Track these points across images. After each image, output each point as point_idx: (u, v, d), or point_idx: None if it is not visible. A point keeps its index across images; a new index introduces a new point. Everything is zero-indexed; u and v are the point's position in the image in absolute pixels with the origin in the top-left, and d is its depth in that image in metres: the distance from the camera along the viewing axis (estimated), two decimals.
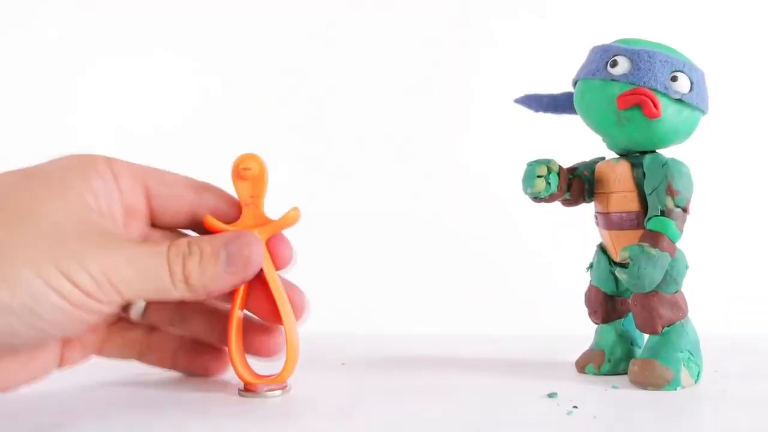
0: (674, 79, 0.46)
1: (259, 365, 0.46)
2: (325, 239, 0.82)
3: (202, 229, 0.44)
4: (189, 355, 0.48)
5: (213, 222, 0.44)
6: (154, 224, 0.44)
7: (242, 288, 0.44)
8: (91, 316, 0.37)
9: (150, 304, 0.46)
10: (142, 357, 0.47)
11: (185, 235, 0.45)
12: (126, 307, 0.45)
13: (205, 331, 0.46)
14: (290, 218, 0.44)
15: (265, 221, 0.44)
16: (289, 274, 0.46)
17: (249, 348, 0.45)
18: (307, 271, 0.47)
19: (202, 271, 0.39)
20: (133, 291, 0.37)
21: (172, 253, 0.39)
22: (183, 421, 0.40)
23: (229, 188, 0.45)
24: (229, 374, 0.45)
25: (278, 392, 0.44)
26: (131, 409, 0.42)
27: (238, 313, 0.44)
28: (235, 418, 0.40)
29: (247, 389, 0.44)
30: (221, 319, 0.46)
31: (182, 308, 0.46)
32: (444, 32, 0.93)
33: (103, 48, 0.94)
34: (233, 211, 0.44)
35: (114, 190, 0.40)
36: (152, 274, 0.38)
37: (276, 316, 0.44)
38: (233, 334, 0.44)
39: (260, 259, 0.41)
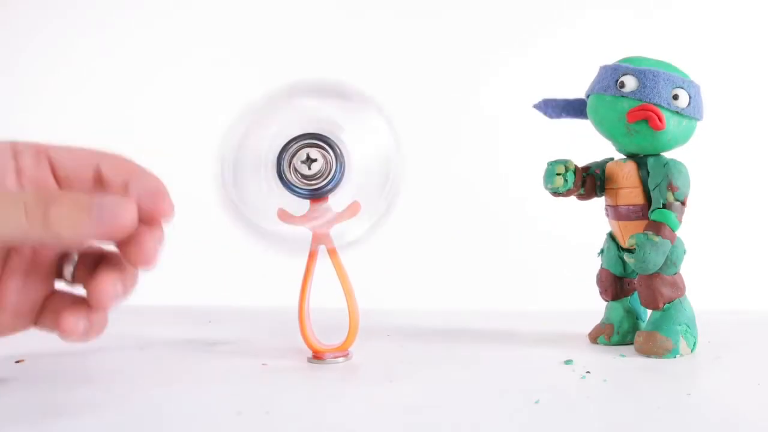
0: (675, 96, 0.48)
1: (324, 337, 0.49)
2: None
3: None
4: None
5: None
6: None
7: (311, 268, 0.46)
8: None
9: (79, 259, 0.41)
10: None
11: None
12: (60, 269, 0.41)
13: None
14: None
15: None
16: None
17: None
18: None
19: (67, 213, 0.35)
20: None
21: (30, 192, 0.36)
22: (262, 384, 0.43)
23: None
24: (300, 344, 0.48)
25: (341, 359, 0.48)
26: (211, 375, 0.44)
27: (306, 293, 0.47)
28: (305, 381, 0.43)
29: (316, 357, 0.48)
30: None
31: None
32: (464, 33, 0.94)
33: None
34: (130, 167, 0.40)
35: (8, 169, 0.38)
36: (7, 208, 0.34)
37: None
38: (304, 310, 0.47)
39: (129, 223, 0.36)
